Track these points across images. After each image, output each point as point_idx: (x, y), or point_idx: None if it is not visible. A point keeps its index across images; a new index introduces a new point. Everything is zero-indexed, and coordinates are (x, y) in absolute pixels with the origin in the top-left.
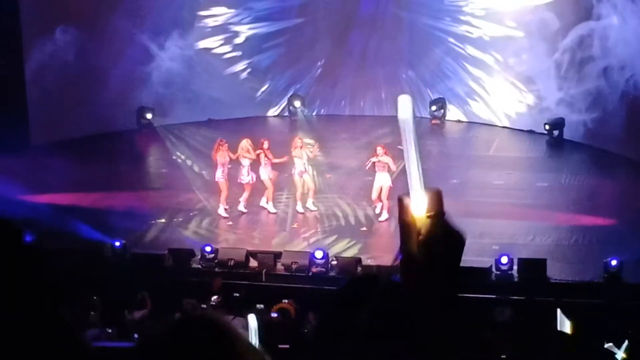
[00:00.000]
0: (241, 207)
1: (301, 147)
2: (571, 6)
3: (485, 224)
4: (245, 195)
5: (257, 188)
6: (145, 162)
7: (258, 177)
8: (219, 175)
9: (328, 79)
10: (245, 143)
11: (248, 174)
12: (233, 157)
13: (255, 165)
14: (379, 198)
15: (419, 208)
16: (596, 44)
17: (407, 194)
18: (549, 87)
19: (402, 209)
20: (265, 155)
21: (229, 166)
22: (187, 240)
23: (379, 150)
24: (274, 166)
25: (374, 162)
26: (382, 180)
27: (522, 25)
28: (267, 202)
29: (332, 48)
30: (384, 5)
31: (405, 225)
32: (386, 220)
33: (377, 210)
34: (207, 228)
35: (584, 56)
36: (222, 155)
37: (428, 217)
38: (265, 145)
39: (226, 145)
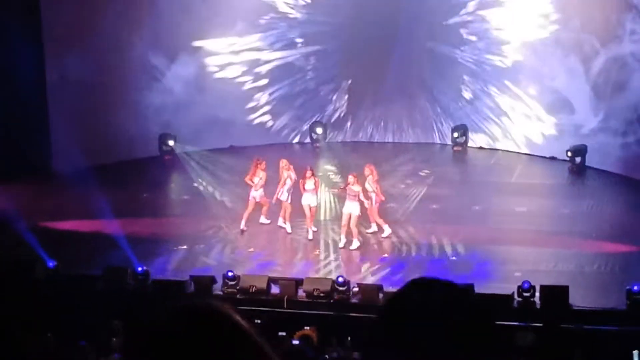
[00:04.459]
0: (281, 223)
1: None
2: (596, 34)
3: (508, 250)
4: (286, 212)
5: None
6: (167, 189)
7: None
8: (260, 194)
9: (350, 106)
10: (286, 163)
11: (287, 192)
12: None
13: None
14: (348, 226)
15: None
16: (618, 72)
17: None
18: (570, 114)
19: None
20: (305, 182)
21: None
22: (208, 266)
23: (351, 178)
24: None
25: (345, 190)
26: (351, 209)
27: (542, 53)
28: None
29: (354, 76)
30: (407, 34)
31: None
32: (358, 248)
33: (342, 242)
34: (228, 255)
35: (605, 84)
36: (260, 175)
37: None
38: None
39: (264, 163)
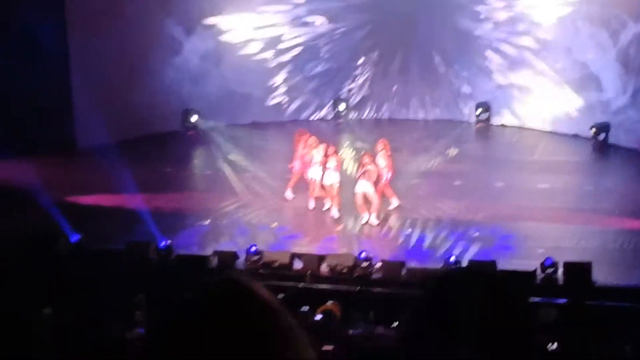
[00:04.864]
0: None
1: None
2: (624, 8)
3: (531, 227)
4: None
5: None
6: (190, 164)
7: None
8: (297, 164)
9: (373, 82)
10: (315, 140)
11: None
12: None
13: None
14: (364, 204)
15: None
16: None
17: None
18: (596, 91)
19: None
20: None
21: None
22: (232, 241)
23: (365, 159)
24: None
25: (364, 173)
26: (365, 187)
27: (569, 29)
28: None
29: (378, 52)
30: (431, 11)
31: None
32: (380, 223)
33: (365, 219)
34: (251, 230)
35: (634, 60)
36: (301, 145)
37: None
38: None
39: (307, 135)
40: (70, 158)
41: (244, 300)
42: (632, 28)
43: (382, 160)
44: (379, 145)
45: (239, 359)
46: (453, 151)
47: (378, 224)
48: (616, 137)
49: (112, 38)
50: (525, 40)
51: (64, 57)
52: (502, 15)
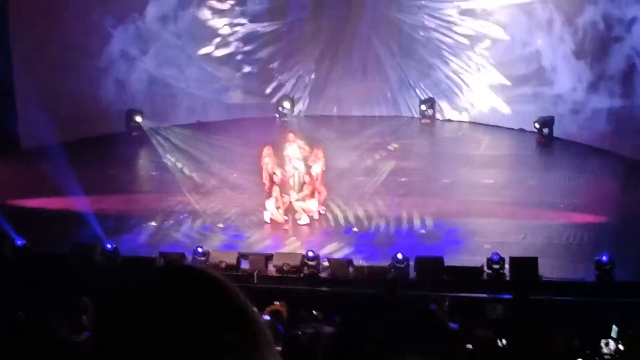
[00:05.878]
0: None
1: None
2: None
3: (477, 223)
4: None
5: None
6: (135, 165)
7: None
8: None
9: (317, 80)
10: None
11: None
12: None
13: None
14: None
15: None
16: (599, 38)
17: None
18: (545, 83)
19: None
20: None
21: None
22: (178, 242)
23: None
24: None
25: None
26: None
27: (512, 23)
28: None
29: (321, 50)
30: (374, 5)
31: None
32: (328, 223)
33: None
34: (197, 230)
35: (586, 53)
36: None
37: None
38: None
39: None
40: (14, 159)
41: (195, 281)
42: (590, 12)
43: (316, 167)
44: (318, 153)
45: (194, 340)
46: (394, 145)
47: (323, 222)
48: (564, 130)
49: (55, 36)
50: (474, 33)
51: (6, 54)
52: (451, 9)
